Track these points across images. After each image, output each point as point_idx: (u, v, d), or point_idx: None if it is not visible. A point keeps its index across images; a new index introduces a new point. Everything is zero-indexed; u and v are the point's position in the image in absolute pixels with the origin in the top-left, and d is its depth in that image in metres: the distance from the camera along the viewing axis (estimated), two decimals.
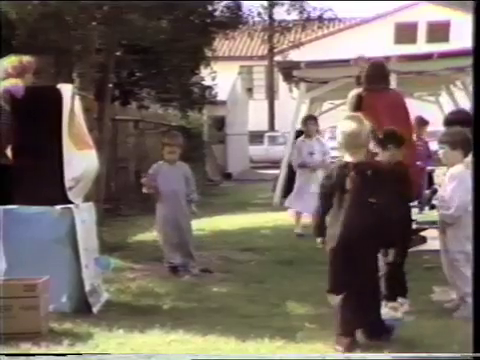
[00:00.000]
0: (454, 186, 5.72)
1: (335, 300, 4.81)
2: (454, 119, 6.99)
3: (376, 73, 7.49)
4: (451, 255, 5.79)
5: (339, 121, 4.96)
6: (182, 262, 7.62)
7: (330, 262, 4.86)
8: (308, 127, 10.64)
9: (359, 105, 7.27)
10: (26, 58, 6.14)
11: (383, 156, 6.02)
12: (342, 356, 4.47)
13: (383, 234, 4.81)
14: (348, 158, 4.77)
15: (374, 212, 4.70)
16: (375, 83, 7.38)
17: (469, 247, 5.43)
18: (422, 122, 11.21)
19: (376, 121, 6.91)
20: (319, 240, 4.97)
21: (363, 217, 4.67)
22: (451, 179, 5.77)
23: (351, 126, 4.76)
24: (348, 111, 9.53)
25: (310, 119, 11.09)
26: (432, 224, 9.75)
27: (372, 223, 4.71)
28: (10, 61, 6.06)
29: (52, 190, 5.77)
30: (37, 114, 5.81)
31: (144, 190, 7.90)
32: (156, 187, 7.71)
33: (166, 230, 7.73)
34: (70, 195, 5.88)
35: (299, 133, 16.10)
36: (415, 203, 9.33)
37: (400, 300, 5.91)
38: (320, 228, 4.93)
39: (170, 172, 7.73)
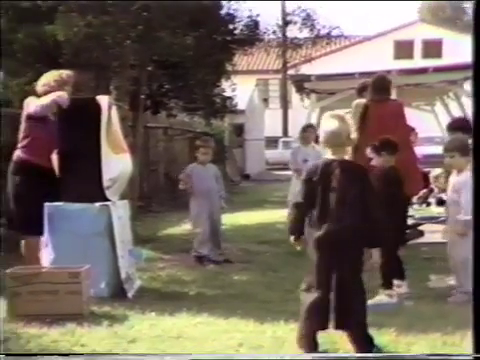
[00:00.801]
0: (469, 192, 5.62)
1: (307, 299, 4.21)
2: (458, 126, 6.98)
3: (380, 85, 7.46)
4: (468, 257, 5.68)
5: (324, 119, 4.38)
6: (208, 252, 7.67)
7: (312, 260, 4.23)
8: (306, 135, 9.87)
9: (365, 113, 7.24)
10: (66, 72, 6.15)
11: (377, 161, 5.97)
12: (342, 355, 4.24)
13: (368, 234, 4.17)
14: (330, 156, 4.23)
15: (359, 212, 4.12)
16: (379, 94, 7.35)
17: None
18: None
19: (379, 127, 6.91)
20: (293, 238, 4.31)
21: (349, 216, 4.10)
22: (464, 185, 5.62)
23: (333, 124, 4.22)
24: (353, 119, 9.54)
25: (309, 127, 10.34)
26: (429, 219, 9.76)
27: (357, 223, 4.12)
28: (52, 75, 6.09)
29: (92, 189, 5.80)
30: (79, 122, 5.83)
31: (181, 186, 7.99)
32: (191, 184, 7.82)
33: (202, 223, 7.79)
34: (108, 194, 5.90)
35: None
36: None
37: (397, 282, 5.86)
38: (297, 225, 4.29)
39: (203, 172, 7.87)
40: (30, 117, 5.88)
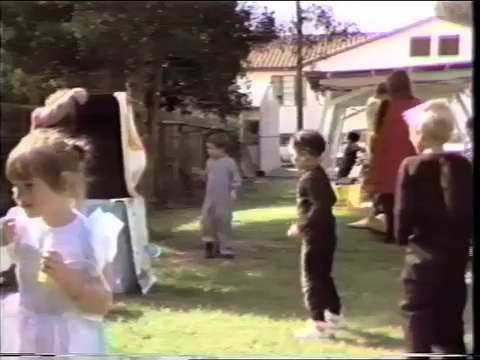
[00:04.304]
0: None
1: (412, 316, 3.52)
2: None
3: (401, 82, 7.38)
4: None
5: (426, 108, 3.63)
6: (214, 242, 7.86)
7: (418, 272, 3.48)
8: None
9: (384, 111, 7.16)
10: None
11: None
12: (343, 356, 4.23)
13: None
14: (429, 150, 3.55)
15: (469, 211, 3.24)
16: (400, 91, 7.28)
17: None
18: None
19: (400, 126, 6.87)
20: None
21: (462, 216, 3.35)
22: None
23: (446, 115, 3.59)
24: (369, 118, 9.46)
25: None
26: None
27: (469, 223, 3.26)
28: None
29: (114, 186, 5.74)
30: (97, 119, 5.80)
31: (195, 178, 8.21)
32: (204, 177, 8.06)
33: (203, 213, 8.01)
34: (129, 189, 5.92)
35: (353, 135, 16.02)
36: None
37: (332, 317, 4.70)
38: (406, 234, 3.52)
39: (214, 165, 8.00)
40: (41, 126, 5.63)
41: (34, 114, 5.68)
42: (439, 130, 3.56)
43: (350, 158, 15.50)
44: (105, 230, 2.25)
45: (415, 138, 3.64)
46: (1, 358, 2.27)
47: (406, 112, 3.81)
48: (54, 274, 2.11)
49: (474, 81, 3.39)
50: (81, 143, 2.33)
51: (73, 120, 5.79)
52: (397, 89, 7.32)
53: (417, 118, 3.65)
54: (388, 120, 7.05)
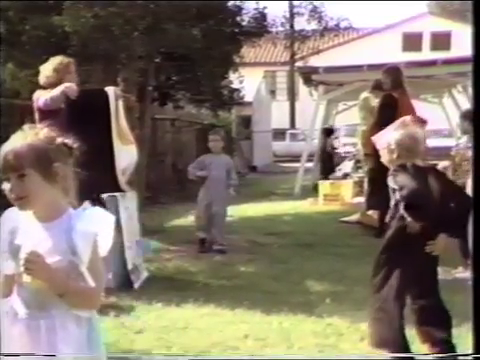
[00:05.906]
0: None
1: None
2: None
3: (400, 78, 7.36)
4: None
5: (396, 127, 3.90)
6: (208, 238, 7.79)
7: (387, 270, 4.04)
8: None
9: (395, 107, 7.10)
10: (65, 59, 5.94)
11: None
12: (344, 356, 4.22)
13: None
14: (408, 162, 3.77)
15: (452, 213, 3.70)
16: (399, 87, 7.25)
17: None
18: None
19: None
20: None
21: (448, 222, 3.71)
22: None
23: (416, 130, 3.87)
24: (361, 112, 9.45)
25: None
26: None
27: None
28: (52, 64, 5.87)
29: (106, 181, 5.69)
30: (88, 113, 5.77)
31: (190, 176, 8.04)
32: (201, 173, 7.89)
33: (200, 209, 7.92)
34: (121, 184, 5.90)
35: (327, 130, 16.06)
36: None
37: None
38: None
39: (215, 161, 7.90)
40: (40, 110, 5.74)
41: (35, 96, 5.79)
42: (414, 145, 3.79)
43: (328, 153, 15.50)
44: (88, 225, 2.23)
45: (388, 157, 3.84)
46: (1, 358, 2.27)
47: (373, 137, 3.95)
48: (35, 274, 2.14)
49: (474, 76, 3.41)
50: (69, 141, 2.30)
51: (64, 113, 5.79)
52: (396, 85, 7.30)
53: (388, 138, 3.86)
54: (400, 115, 7.03)
